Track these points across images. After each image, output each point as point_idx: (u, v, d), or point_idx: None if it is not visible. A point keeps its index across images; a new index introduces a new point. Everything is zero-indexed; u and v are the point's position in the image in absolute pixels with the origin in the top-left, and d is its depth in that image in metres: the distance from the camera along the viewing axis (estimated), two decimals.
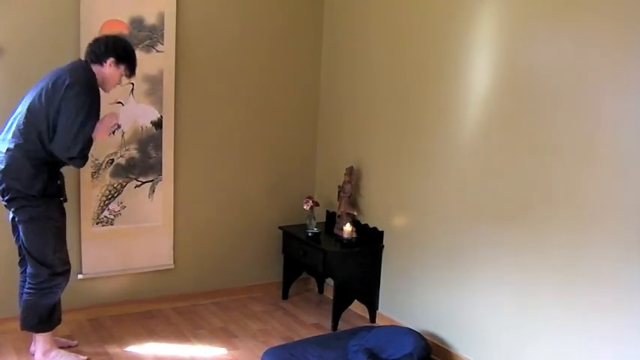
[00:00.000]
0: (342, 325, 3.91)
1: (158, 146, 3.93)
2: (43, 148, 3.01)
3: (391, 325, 3.67)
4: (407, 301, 3.78)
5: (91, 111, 3.03)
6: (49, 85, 3.01)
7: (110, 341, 3.59)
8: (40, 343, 3.24)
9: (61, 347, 3.33)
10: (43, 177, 3.04)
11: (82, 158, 3.06)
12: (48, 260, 3.10)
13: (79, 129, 2.98)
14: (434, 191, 3.56)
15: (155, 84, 3.85)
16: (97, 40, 3.21)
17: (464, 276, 3.37)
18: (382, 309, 4.00)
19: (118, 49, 3.17)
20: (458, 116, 3.38)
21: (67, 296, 3.46)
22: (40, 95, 3.01)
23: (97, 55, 3.15)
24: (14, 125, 3.05)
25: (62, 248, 3.18)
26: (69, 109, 2.97)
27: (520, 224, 3.04)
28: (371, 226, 4.05)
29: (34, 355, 3.29)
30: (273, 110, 4.36)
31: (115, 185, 3.84)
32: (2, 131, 3.13)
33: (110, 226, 3.84)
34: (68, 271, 3.21)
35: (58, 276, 3.15)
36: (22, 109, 3.05)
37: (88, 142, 3.05)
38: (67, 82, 2.98)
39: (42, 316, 3.17)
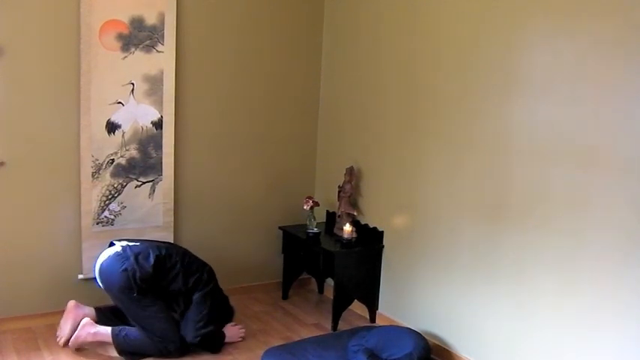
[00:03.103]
0: (342, 325, 3.91)
1: (158, 146, 3.93)
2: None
3: (391, 325, 3.67)
4: (407, 301, 3.79)
5: None
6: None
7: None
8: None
9: None
10: None
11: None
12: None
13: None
14: (434, 191, 3.56)
15: (155, 84, 3.85)
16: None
17: (464, 276, 3.37)
18: (382, 309, 4.00)
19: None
20: (458, 117, 3.38)
21: (67, 296, 3.46)
22: None
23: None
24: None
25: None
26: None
27: (520, 225, 3.04)
28: (371, 226, 4.05)
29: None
30: (274, 110, 4.36)
31: (116, 185, 3.84)
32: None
33: (110, 226, 3.84)
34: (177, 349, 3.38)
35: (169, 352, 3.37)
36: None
37: None
38: None
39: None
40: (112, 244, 3.49)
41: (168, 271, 3.36)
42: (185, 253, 3.51)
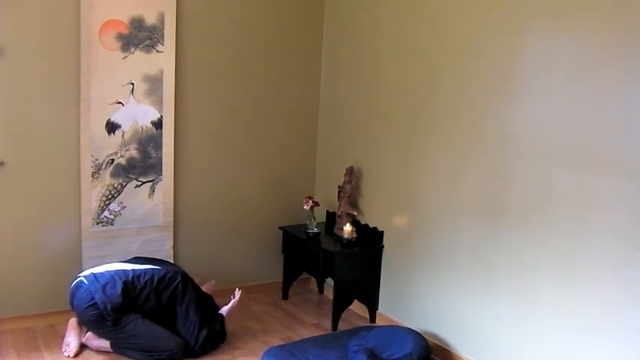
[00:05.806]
0: (342, 325, 3.91)
1: (158, 146, 3.93)
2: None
3: (391, 325, 3.67)
4: (407, 301, 3.78)
5: None
6: None
7: None
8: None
9: None
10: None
11: None
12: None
13: None
14: (434, 191, 3.56)
15: (155, 84, 3.85)
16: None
17: (464, 276, 3.37)
18: (382, 309, 4.00)
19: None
20: (458, 117, 3.38)
21: (66, 296, 3.46)
22: None
23: None
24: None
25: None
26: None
27: (520, 225, 3.04)
28: (371, 226, 4.05)
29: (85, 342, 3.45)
30: (274, 110, 4.36)
31: (115, 185, 3.84)
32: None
33: (110, 226, 3.84)
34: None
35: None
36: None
37: None
38: None
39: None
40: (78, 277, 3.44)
41: (139, 293, 3.36)
42: (154, 271, 3.46)
